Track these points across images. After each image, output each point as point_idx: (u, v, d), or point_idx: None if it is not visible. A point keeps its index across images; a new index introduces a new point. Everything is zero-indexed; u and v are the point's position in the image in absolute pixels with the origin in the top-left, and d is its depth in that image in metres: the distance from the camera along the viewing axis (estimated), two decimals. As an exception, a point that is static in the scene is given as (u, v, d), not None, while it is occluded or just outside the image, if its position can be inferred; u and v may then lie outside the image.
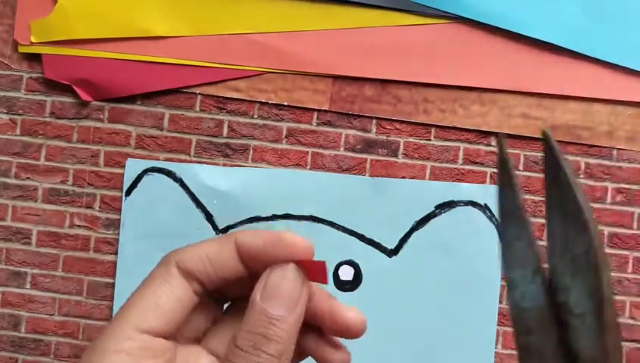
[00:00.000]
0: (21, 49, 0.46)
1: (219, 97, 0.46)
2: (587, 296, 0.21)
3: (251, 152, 0.46)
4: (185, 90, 0.46)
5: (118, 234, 0.46)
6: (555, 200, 0.21)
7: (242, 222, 0.45)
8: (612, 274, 0.45)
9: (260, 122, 0.46)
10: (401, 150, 0.46)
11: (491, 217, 0.44)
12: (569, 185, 0.20)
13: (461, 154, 0.46)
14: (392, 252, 0.45)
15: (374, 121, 0.46)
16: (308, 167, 0.46)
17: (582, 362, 0.21)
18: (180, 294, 0.27)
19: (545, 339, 0.21)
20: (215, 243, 0.27)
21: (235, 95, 0.46)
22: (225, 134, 0.46)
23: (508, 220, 0.21)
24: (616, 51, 0.44)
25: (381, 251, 0.45)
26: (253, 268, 0.27)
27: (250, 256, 0.27)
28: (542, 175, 0.45)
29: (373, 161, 0.46)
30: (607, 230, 0.45)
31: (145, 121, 0.46)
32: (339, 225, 0.45)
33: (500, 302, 0.45)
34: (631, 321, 0.45)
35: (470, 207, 0.45)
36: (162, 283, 0.27)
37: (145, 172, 0.46)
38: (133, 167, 0.46)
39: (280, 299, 0.26)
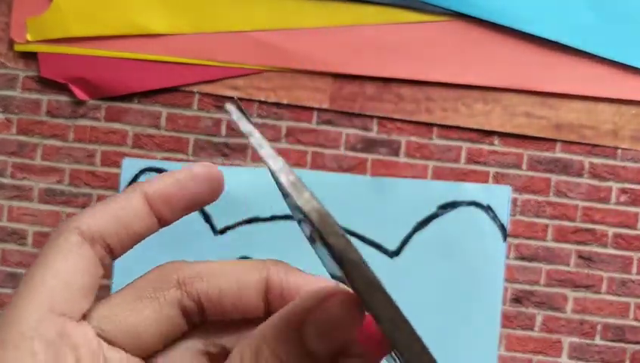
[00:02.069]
0: (17, 47, 0.46)
1: (217, 95, 0.46)
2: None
3: (250, 151, 0.46)
4: (183, 88, 0.46)
5: (115, 234, 0.45)
6: None
7: (240, 223, 0.45)
8: (617, 275, 0.45)
9: (259, 120, 0.46)
10: (402, 150, 0.45)
11: (494, 217, 0.44)
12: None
13: (463, 154, 0.45)
14: (393, 254, 0.44)
15: (375, 120, 0.46)
16: (308, 167, 0.46)
17: None
18: (88, 266, 0.22)
19: None
20: (120, 198, 0.23)
21: (233, 94, 0.46)
22: (223, 133, 0.46)
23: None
24: (620, 49, 0.44)
25: (383, 252, 0.44)
26: (168, 217, 0.23)
27: (164, 202, 0.23)
28: (545, 175, 0.45)
29: (374, 161, 0.45)
30: (611, 230, 0.45)
31: (142, 120, 0.46)
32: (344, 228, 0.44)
33: (503, 303, 0.44)
34: (635, 323, 0.44)
35: (472, 207, 0.44)
36: (65, 256, 0.22)
37: (142, 171, 0.45)
38: (130, 167, 0.45)
39: (330, 340, 0.20)
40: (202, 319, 0.23)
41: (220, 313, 0.23)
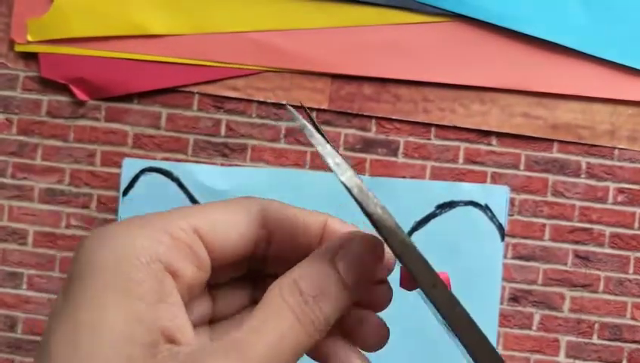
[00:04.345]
0: (18, 48, 0.46)
1: (217, 96, 0.46)
2: None
3: (249, 151, 0.46)
4: (183, 89, 0.46)
5: (115, 234, 0.45)
6: None
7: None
8: (614, 274, 0.45)
9: (258, 121, 0.46)
10: (401, 150, 0.45)
11: (492, 217, 0.44)
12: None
13: (461, 154, 0.45)
14: (391, 253, 0.44)
15: (374, 120, 0.46)
16: (307, 167, 0.46)
17: None
18: (249, 235, 0.24)
19: None
20: (306, 213, 0.26)
21: (233, 94, 0.46)
22: (222, 133, 0.46)
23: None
24: (617, 49, 0.44)
25: (381, 251, 0.44)
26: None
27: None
28: (543, 175, 0.45)
29: (372, 161, 0.46)
30: (608, 230, 0.45)
31: (142, 120, 0.46)
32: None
33: (501, 302, 0.44)
34: (632, 322, 0.45)
35: (470, 207, 0.44)
36: (240, 211, 0.24)
37: (142, 171, 0.45)
38: (130, 167, 0.45)
39: (358, 272, 0.23)
40: (266, 251, 0.25)
41: (284, 245, 0.25)
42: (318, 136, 0.22)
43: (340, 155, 0.23)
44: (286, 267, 0.24)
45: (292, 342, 0.22)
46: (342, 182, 0.21)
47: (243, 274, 0.26)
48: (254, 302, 0.27)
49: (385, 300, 0.26)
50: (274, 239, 0.25)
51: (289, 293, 0.22)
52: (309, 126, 0.22)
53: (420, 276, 0.23)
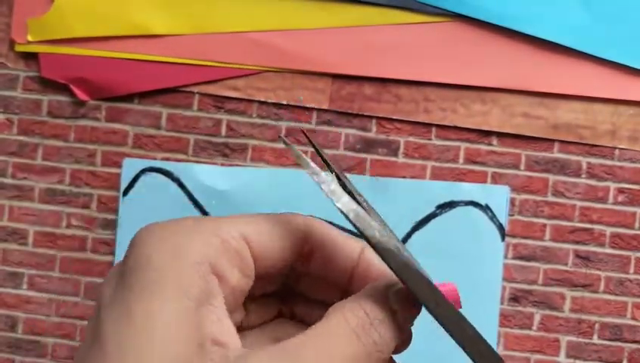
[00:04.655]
0: (18, 48, 0.46)
1: (217, 96, 0.46)
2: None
3: (250, 151, 0.46)
4: (183, 89, 0.46)
5: (115, 234, 0.46)
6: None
7: (241, 223, 0.45)
8: (614, 274, 0.45)
9: (259, 121, 0.46)
10: (401, 150, 0.45)
11: (492, 217, 0.44)
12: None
13: (462, 154, 0.45)
14: (392, 253, 0.44)
15: (374, 120, 0.46)
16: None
17: None
18: (289, 248, 0.25)
19: None
20: (345, 238, 0.26)
21: (233, 94, 0.46)
22: (223, 133, 0.46)
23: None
24: (618, 49, 0.44)
25: (381, 252, 0.44)
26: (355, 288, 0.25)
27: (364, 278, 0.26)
28: (543, 175, 0.45)
29: (373, 161, 0.46)
30: (609, 230, 0.45)
31: (142, 120, 0.46)
32: (339, 225, 0.45)
33: (501, 302, 0.44)
34: (633, 322, 0.45)
35: (470, 207, 0.44)
36: (284, 224, 0.25)
37: (143, 171, 0.45)
38: (130, 167, 0.45)
39: (411, 314, 0.24)
40: (304, 268, 0.26)
41: (322, 265, 0.26)
42: (313, 165, 0.23)
43: (339, 175, 0.24)
44: (318, 287, 0.25)
45: (347, 354, 0.22)
46: (338, 209, 0.22)
47: (275, 290, 0.27)
48: (281, 316, 0.27)
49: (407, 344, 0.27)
50: (314, 257, 0.26)
51: (352, 313, 0.23)
52: (304, 156, 0.23)
53: (423, 295, 0.23)
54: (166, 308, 0.20)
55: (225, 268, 0.22)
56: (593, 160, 0.45)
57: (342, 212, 0.22)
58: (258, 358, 0.21)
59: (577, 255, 0.45)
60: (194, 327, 0.21)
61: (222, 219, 0.23)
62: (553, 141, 0.45)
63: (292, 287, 0.27)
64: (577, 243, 0.45)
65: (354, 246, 0.26)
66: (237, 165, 0.46)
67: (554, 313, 0.45)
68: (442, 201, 0.44)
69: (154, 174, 0.45)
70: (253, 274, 0.24)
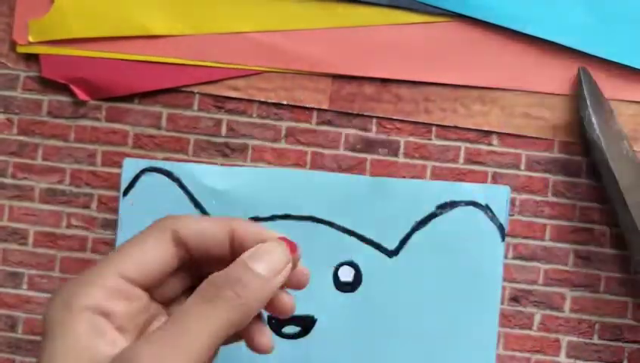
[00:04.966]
0: (19, 49, 0.46)
1: (218, 96, 0.46)
2: None
3: (250, 151, 0.46)
4: (183, 89, 0.46)
5: (115, 234, 0.46)
6: None
7: (241, 222, 0.45)
8: (616, 275, 0.45)
9: (259, 121, 0.46)
10: (401, 150, 0.46)
11: (492, 217, 0.44)
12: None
13: (462, 154, 0.45)
14: (392, 253, 0.44)
15: (374, 120, 0.46)
16: (307, 167, 0.46)
17: None
18: (167, 257, 0.30)
19: None
20: (213, 223, 0.31)
21: (234, 94, 0.46)
22: (223, 133, 0.46)
23: None
24: (618, 50, 0.44)
25: (381, 252, 0.44)
26: (239, 252, 0.30)
27: (240, 245, 0.30)
28: (543, 175, 0.45)
29: (373, 161, 0.46)
30: (609, 230, 0.45)
31: (143, 120, 0.46)
32: (339, 226, 0.45)
33: (501, 302, 0.44)
34: (633, 322, 0.45)
35: (471, 207, 0.44)
36: (154, 243, 0.30)
37: (143, 171, 0.45)
38: (131, 167, 0.45)
39: (266, 263, 0.29)
40: (188, 257, 0.31)
41: (202, 253, 0.31)
42: None
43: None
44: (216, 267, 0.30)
45: (217, 322, 0.27)
46: None
47: (193, 280, 0.32)
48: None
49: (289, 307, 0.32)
50: (192, 251, 0.31)
51: (203, 286, 0.28)
52: None
53: None
54: (60, 349, 0.27)
55: (107, 305, 0.28)
56: (593, 160, 0.45)
57: None
58: (132, 350, 0.27)
59: (577, 255, 0.45)
60: (88, 356, 0.27)
61: (103, 266, 0.29)
62: (553, 141, 0.45)
63: (204, 272, 0.31)
64: (577, 243, 0.45)
65: (222, 228, 0.31)
66: (237, 165, 0.46)
67: (555, 313, 0.45)
68: (442, 201, 0.44)
69: (154, 174, 0.45)
70: (141, 295, 0.30)
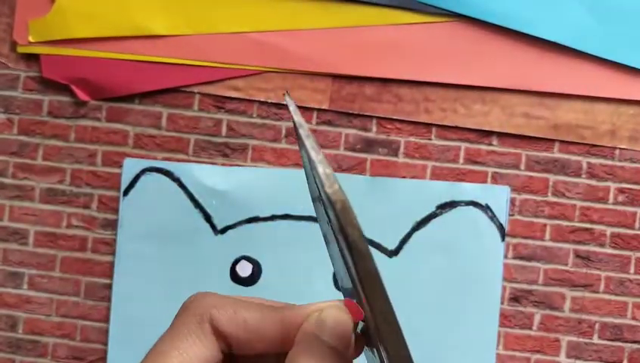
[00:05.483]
0: (20, 49, 0.46)
1: (218, 96, 0.46)
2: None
3: (250, 151, 0.46)
4: (184, 89, 0.46)
5: (115, 234, 0.46)
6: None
7: (241, 222, 0.45)
8: (614, 274, 0.45)
9: (259, 121, 0.46)
10: (401, 150, 0.45)
11: (492, 217, 0.44)
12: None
13: (462, 154, 0.45)
14: (392, 253, 0.44)
15: (375, 120, 0.46)
16: (307, 167, 0.46)
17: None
18: (209, 356, 0.26)
19: None
20: (258, 311, 0.26)
21: (234, 94, 0.46)
22: (223, 133, 0.46)
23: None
24: (618, 49, 0.44)
25: (381, 251, 0.44)
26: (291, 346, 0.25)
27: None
28: (544, 175, 0.45)
29: (373, 161, 0.46)
30: (609, 230, 0.45)
31: (143, 120, 0.46)
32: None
33: (501, 302, 0.44)
34: (633, 322, 0.45)
35: (471, 207, 0.44)
36: (194, 341, 0.25)
37: (143, 171, 0.45)
38: (131, 167, 0.46)
39: (336, 334, 0.25)
40: (230, 351, 0.26)
41: (241, 348, 0.26)
42: (313, 140, 0.22)
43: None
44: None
45: None
46: (327, 194, 0.21)
47: None
48: None
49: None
50: (233, 345, 0.26)
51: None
52: (306, 127, 0.22)
53: (377, 306, 0.22)
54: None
55: None
56: (593, 160, 0.45)
57: (330, 199, 0.21)
58: None
59: (577, 255, 0.45)
60: None
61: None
62: (553, 141, 0.45)
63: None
64: (577, 243, 0.45)
65: (272, 321, 0.26)
66: (237, 165, 0.46)
67: (555, 313, 0.45)
68: (442, 201, 0.44)
69: (155, 174, 0.45)
70: None
